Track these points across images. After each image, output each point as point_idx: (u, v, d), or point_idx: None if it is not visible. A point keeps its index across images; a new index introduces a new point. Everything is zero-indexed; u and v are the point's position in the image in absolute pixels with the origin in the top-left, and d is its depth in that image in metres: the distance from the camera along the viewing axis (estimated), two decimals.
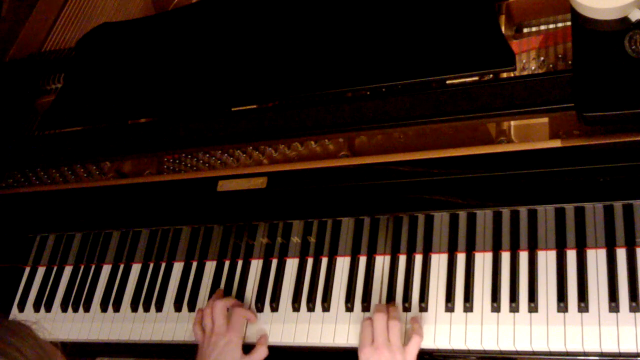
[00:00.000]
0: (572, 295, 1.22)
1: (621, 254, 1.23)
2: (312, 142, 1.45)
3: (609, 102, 1.13)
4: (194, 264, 1.53)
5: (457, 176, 1.28)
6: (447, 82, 1.32)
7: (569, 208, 1.24)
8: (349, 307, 1.35)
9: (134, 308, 1.52)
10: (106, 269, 1.60)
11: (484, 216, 1.31)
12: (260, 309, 1.42)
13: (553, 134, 1.29)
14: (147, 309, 1.51)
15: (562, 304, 1.22)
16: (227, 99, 1.47)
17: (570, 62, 1.32)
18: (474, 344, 1.25)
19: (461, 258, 1.33)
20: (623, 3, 1.16)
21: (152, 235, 1.57)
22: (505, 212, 1.29)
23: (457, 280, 1.31)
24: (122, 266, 1.59)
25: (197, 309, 1.46)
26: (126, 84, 1.60)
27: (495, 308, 1.26)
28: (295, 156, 1.47)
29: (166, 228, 1.55)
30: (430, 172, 1.30)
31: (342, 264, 1.41)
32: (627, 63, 1.14)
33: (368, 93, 1.39)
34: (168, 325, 1.47)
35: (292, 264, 1.44)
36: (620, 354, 1.17)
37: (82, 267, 1.63)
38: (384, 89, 1.36)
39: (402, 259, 1.37)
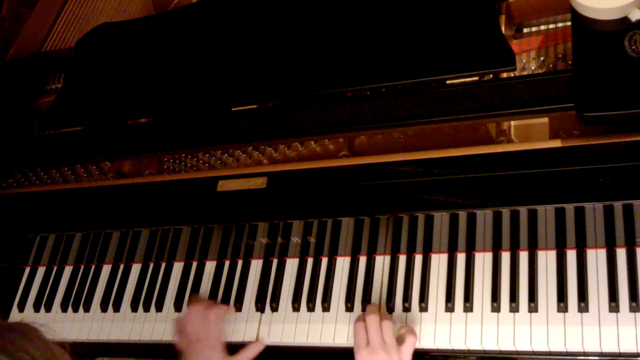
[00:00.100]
0: (572, 295, 1.22)
1: (621, 254, 1.23)
2: (312, 142, 1.45)
3: (609, 102, 1.13)
4: (194, 264, 1.53)
5: (457, 176, 1.28)
6: (447, 82, 1.32)
7: (569, 208, 1.25)
8: (349, 307, 1.35)
9: (134, 308, 1.52)
10: (106, 269, 1.60)
11: (484, 216, 1.31)
12: (260, 308, 1.42)
13: (553, 134, 1.29)
14: (147, 309, 1.51)
15: (562, 304, 1.22)
16: (227, 99, 1.48)
17: (570, 62, 1.32)
18: (474, 344, 1.25)
19: (461, 258, 1.33)
20: (623, 3, 1.16)
21: (152, 235, 1.57)
22: (505, 212, 1.29)
23: (457, 280, 1.31)
24: (122, 266, 1.59)
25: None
26: (126, 84, 1.60)
27: (495, 308, 1.26)
28: (295, 156, 1.47)
29: (166, 228, 1.55)
30: (430, 172, 1.30)
31: (342, 264, 1.41)
32: (627, 63, 1.14)
33: (368, 93, 1.39)
34: (168, 326, 1.47)
35: (292, 264, 1.44)
36: (620, 354, 1.17)
37: (82, 267, 1.63)
38: (384, 89, 1.36)
39: (402, 259, 1.37)
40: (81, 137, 1.61)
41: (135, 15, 1.88)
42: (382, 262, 1.38)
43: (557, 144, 1.22)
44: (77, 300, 1.58)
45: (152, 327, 1.49)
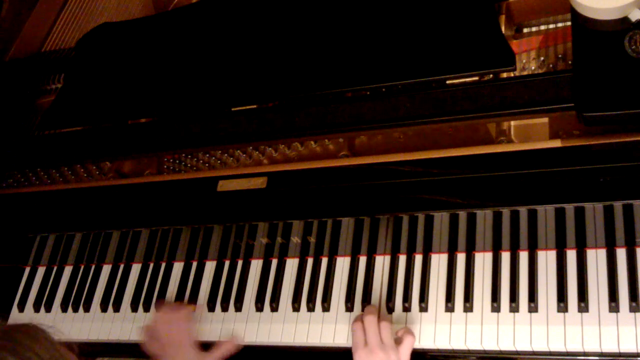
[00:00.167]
0: (572, 295, 1.22)
1: (621, 254, 1.23)
2: (312, 142, 1.45)
3: (609, 102, 1.13)
4: (194, 264, 1.53)
5: (457, 176, 1.28)
6: (447, 82, 1.32)
7: (569, 208, 1.24)
8: (349, 307, 1.35)
9: (134, 308, 1.52)
10: (106, 269, 1.60)
11: (484, 216, 1.31)
12: (260, 308, 1.42)
13: (553, 134, 1.29)
14: (147, 309, 1.51)
15: (562, 304, 1.22)
16: (227, 99, 1.48)
17: (570, 62, 1.32)
18: (474, 344, 1.25)
19: (461, 258, 1.33)
20: (623, 3, 1.16)
21: (152, 235, 1.57)
22: (505, 212, 1.29)
23: (457, 280, 1.31)
24: (122, 266, 1.59)
25: (196, 309, 1.46)
26: (126, 84, 1.60)
27: (495, 308, 1.26)
28: (295, 156, 1.47)
29: (166, 228, 1.55)
30: (430, 172, 1.30)
31: (342, 264, 1.41)
32: (627, 63, 1.14)
33: (368, 93, 1.39)
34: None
35: (292, 264, 1.44)
36: (620, 354, 1.17)
37: (82, 267, 1.63)
38: (384, 89, 1.36)
39: (402, 259, 1.37)
40: (81, 137, 1.61)
41: (135, 15, 1.88)
42: (382, 262, 1.38)
43: (557, 144, 1.22)
44: (77, 300, 1.58)
45: None
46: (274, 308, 1.41)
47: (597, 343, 1.18)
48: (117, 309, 1.54)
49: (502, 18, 1.39)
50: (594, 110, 1.14)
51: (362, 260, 1.40)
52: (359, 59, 1.37)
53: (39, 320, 1.56)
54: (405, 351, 1.23)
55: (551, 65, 1.34)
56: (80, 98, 1.64)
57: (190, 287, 1.50)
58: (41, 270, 1.67)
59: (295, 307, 1.39)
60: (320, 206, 1.39)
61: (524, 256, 1.29)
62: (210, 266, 1.51)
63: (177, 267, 1.54)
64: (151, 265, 1.56)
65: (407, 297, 1.32)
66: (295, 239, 1.44)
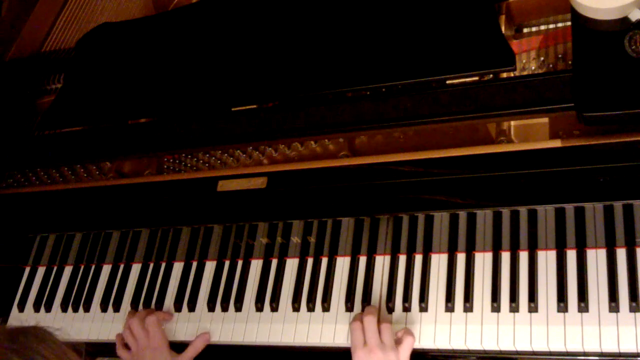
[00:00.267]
0: (572, 295, 1.22)
1: (621, 254, 1.23)
2: (312, 142, 1.45)
3: (609, 102, 1.13)
4: (194, 264, 1.53)
5: (457, 176, 1.28)
6: (447, 82, 1.32)
7: (569, 208, 1.24)
8: (349, 307, 1.35)
9: (134, 308, 1.52)
10: (106, 269, 1.60)
11: (484, 216, 1.31)
12: (260, 308, 1.42)
13: (553, 134, 1.29)
14: (146, 308, 1.51)
15: (562, 304, 1.22)
16: (227, 99, 1.48)
17: (570, 62, 1.32)
18: (474, 344, 1.25)
19: (461, 258, 1.33)
20: (623, 3, 1.16)
21: (152, 235, 1.57)
22: (505, 212, 1.29)
23: (457, 280, 1.31)
24: (122, 266, 1.59)
25: (196, 309, 1.46)
26: (126, 84, 1.60)
27: (495, 308, 1.26)
28: (295, 156, 1.47)
29: (166, 228, 1.55)
30: (430, 172, 1.30)
31: (342, 264, 1.41)
32: (627, 63, 1.14)
33: (368, 93, 1.39)
34: (168, 325, 1.47)
35: (292, 264, 1.44)
36: (620, 354, 1.17)
37: (82, 267, 1.63)
38: (384, 89, 1.36)
39: (402, 259, 1.37)
40: (81, 137, 1.61)
41: (135, 15, 1.88)
42: (382, 262, 1.38)
43: (557, 144, 1.22)
44: (77, 300, 1.58)
45: None
46: (274, 308, 1.41)
47: (597, 343, 1.18)
48: (117, 309, 1.54)
49: (502, 18, 1.39)
50: (594, 110, 1.14)
51: (362, 260, 1.40)
52: (359, 59, 1.37)
53: (38, 320, 1.57)
54: (404, 352, 1.23)
55: (551, 65, 1.34)
56: (80, 98, 1.64)
57: (190, 287, 1.50)
58: (41, 270, 1.67)
59: (295, 307, 1.39)
60: (320, 206, 1.39)
61: (524, 256, 1.29)
62: (210, 266, 1.51)
63: (177, 267, 1.54)
64: (151, 265, 1.56)
65: (407, 297, 1.32)
66: (295, 239, 1.44)
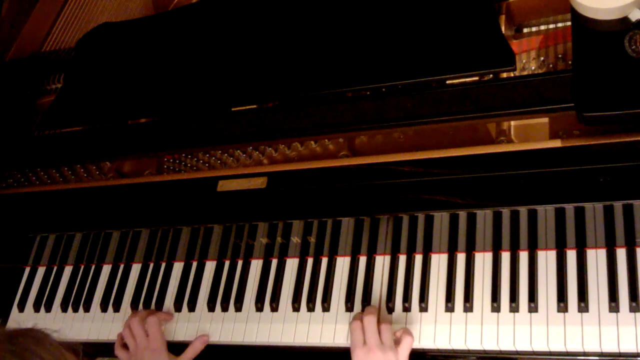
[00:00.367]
0: (572, 295, 1.22)
1: (621, 254, 1.23)
2: (312, 142, 1.45)
3: (609, 102, 1.13)
4: (194, 264, 1.53)
5: (457, 176, 1.28)
6: (447, 82, 1.32)
7: (569, 208, 1.24)
8: (349, 307, 1.35)
9: (134, 308, 1.52)
10: (106, 269, 1.60)
11: (484, 216, 1.31)
12: (260, 308, 1.42)
13: (553, 134, 1.29)
14: (147, 309, 1.51)
15: (562, 304, 1.22)
16: (227, 99, 1.47)
17: (570, 62, 1.32)
18: (474, 344, 1.25)
19: (461, 258, 1.33)
20: (623, 3, 1.16)
21: (152, 235, 1.57)
22: (505, 212, 1.29)
23: (457, 280, 1.31)
24: (122, 266, 1.59)
25: (196, 309, 1.46)
26: (126, 84, 1.60)
27: (495, 308, 1.26)
28: (295, 156, 1.47)
29: (166, 228, 1.55)
30: (430, 172, 1.30)
31: (342, 264, 1.41)
32: (627, 63, 1.14)
33: (368, 93, 1.39)
34: (168, 325, 1.47)
35: (292, 264, 1.44)
36: (620, 354, 1.17)
37: (82, 267, 1.63)
38: (384, 89, 1.36)
39: (402, 259, 1.37)
40: (81, 137, 1.61)
41: (135, 15, 1.89)
42: (382, 262, 1.38)
43: (557, 144, 1.22)
44: (77, 300, 1.58)
45: None
46: (274, 308, 1.41)
47: (597, 343, 1.18)
48: (117, 309, 1.54)
49: (502, 18, 1.39)
50: (594, 110, 1.14)
51: (362, 260, 1.40)
52: (359, 59, 1.37)
53: (38, 320, 1.57)
54: (403, 352, 1.23)
55: (551, 65, 1.34)
56: (80, 98, 1.64)
57: (190, 287, 1.50)
58: (41, 270, 1.67)
59: (295, 307, 1.39)
60: (320, 206, 1.39)
61: (524, 256, 1.29)
62: (210, 266, 1.51)
63: (177, 267, 1.54)
64: (151, 265, 1.56)
65: (407, 297, 1.32)
66: (295, 239, 1.44)
